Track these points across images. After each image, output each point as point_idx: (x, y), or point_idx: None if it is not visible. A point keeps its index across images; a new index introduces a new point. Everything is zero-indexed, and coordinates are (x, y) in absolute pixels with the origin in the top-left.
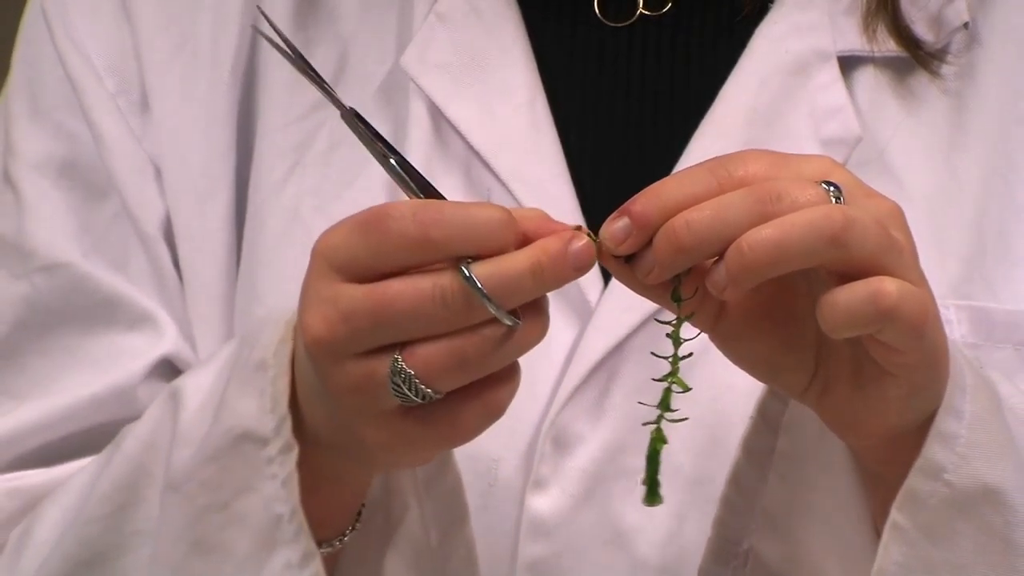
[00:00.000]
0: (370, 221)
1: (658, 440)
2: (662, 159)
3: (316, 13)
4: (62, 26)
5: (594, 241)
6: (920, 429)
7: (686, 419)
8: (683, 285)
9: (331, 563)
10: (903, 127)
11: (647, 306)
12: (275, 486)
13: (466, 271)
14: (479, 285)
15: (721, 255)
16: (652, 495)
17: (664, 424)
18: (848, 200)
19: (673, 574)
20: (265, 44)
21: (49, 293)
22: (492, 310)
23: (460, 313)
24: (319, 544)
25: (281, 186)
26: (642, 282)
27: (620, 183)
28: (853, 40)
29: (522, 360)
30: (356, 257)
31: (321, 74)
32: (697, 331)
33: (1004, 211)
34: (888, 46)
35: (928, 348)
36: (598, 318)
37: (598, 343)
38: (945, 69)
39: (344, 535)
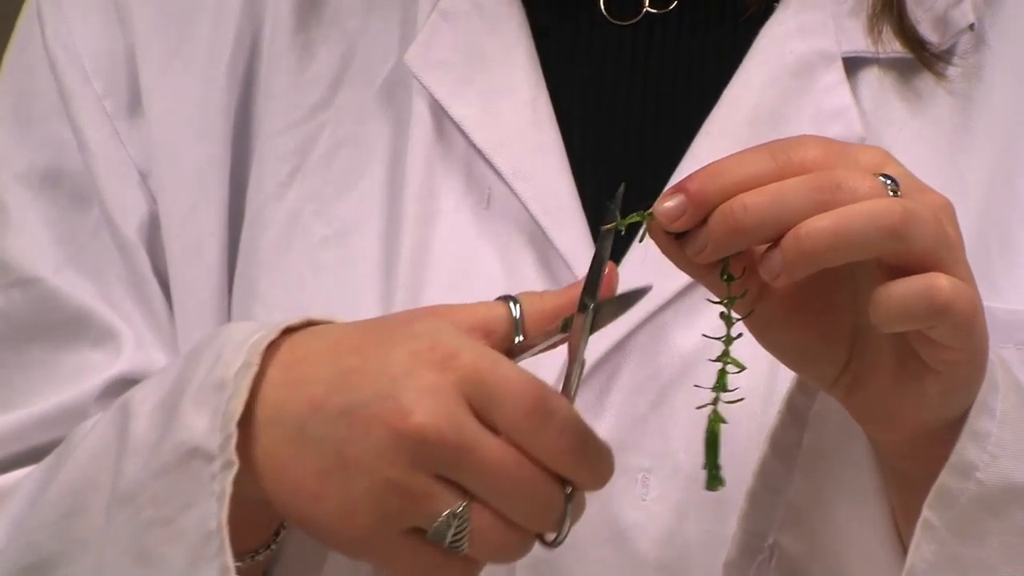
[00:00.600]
0: (540, 406)
1: (716, 421)
2: (665, 158)
3: (319, 13)
4: (53, 26)
5: (646, 217)
6: (947, 426)
7: (742, 399)
8: (731, 265)
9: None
10: (908, 128)
11: (648, 305)
12: (212, 502)
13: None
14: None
15: (775, 241)
16: (714, 479)
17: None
18: (904, 193)
19: (673, 572)
20: (264, 47)
21: (24, 307)
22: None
23: (545, 524)
24: (256, 551)
25: (281, 190)
26: (691, 260)
27: (622, 182)
28: (858, 41)
29: None
30: (499, 415)
31: (325, 73)
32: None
33: (1008, 212)
34: (893, 47)
35: (974, 346)
36: None
37: (599, 342)
38: (951, 70)
39: (277, 536)
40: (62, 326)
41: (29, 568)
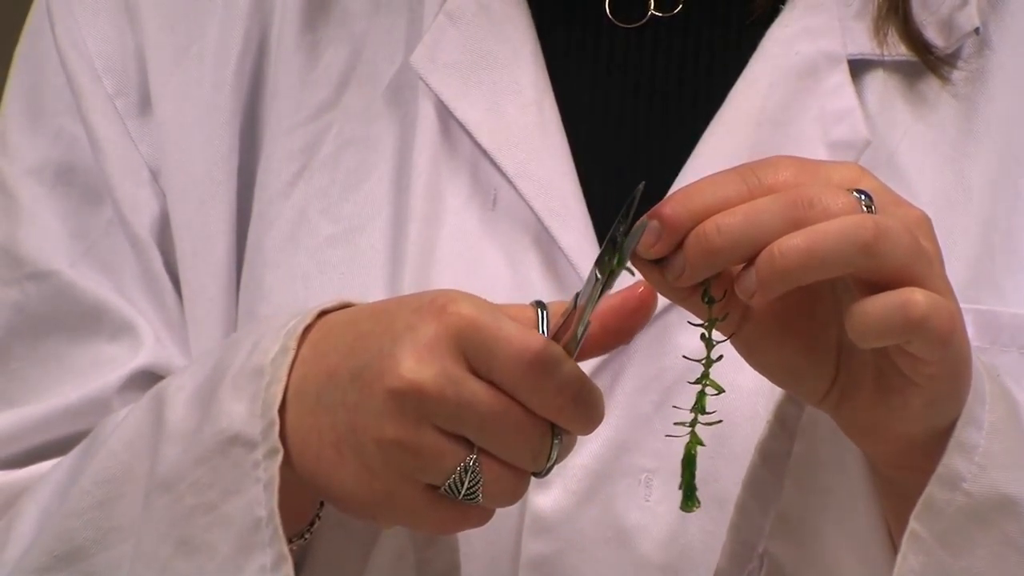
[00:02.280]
0: (541, 359)
1: (694, 443)
2: (670, 160)
3: (327, 14)
4: (64, 25)
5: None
6: (937, 436)
7: (720, 421)
8: (712, 288)
9: (302, 555)
10: (912, 131)
11: None
12: (258, 489)
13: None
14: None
15: (750, 260)
16: (689, 500)
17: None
18: (878, 208)
19: (676, 572)
20: (273, 47)
21: (38, 300)
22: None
23: (539, 465)
24: (291, 540)
25: (288, 189)
26: (671, 285)
27: (628, 183)
28: (863, 44)
29: None
30: (496, 369)
31: (332, 73)
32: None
33: (1013, 215)
34: (898, 50)
35: (953, 358)
36: None
37: None
38: (955, 74)
39: (311, 526)
40: (78, 319)
41: (62, 556)
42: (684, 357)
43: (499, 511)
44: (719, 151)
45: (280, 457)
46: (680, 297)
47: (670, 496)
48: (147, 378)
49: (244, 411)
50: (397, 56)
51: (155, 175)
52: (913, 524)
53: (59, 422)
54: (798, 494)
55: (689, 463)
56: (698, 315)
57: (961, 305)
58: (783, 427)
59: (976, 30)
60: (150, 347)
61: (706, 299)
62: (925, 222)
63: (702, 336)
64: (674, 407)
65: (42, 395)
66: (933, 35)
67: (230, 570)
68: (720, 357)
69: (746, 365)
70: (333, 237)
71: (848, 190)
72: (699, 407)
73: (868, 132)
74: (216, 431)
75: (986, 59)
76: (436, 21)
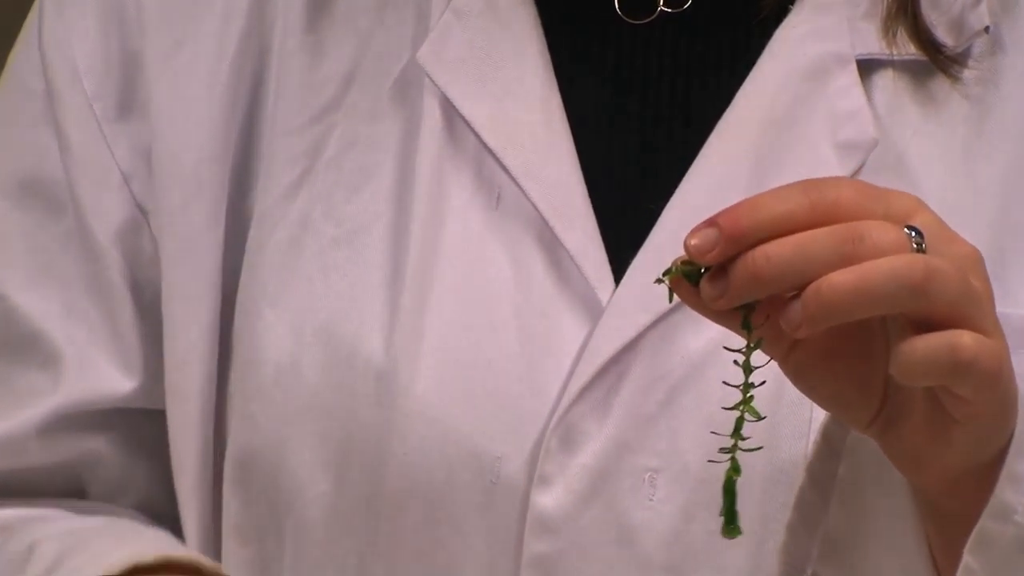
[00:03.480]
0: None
1: (734, 471)
2: (677, 159)
3: (331, 12)
4: (50, 24)
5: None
6: (984, 467)
7: (760, 448)
8: (756, 312)
9: None
10: (922, 131)
11: (658, 306)
12: None
13: None
14: None
15: (798, 292)
16: (731, 528)
17: (737, 453)
18: (930, 245)
19: (680, 572)
20: (275, 48)
21: None
22: None
23: None
24: None
25: (292, 192)
26: (707, 305)
27: (634, 182)
28: (872, 43)
29: (528, 358)
30: None
31: (336, 72)
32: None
33: (1022, 216)
34: (908, 50)
35: (999, 400)
36: (609, 317)
37: (609, 342)
38: (966, 74)
39: None
40: (18, 343)
41: None
42: (724, 383)
43: (500, 510)
44: (727, 150)
45: None
46: (722, 319)
47: (674, 496)
48: (67, 422)
49: None
50: (403, 53)
51: (128, 180)
52: (967, 558)
53: None
54: (845, 516)
55: (728, 491)
56: (742, 337)
57: None
58: (829, 447)
59: (986, 29)
60: (69, 383)
61: (744, 325)
62: (977, 260)
63: (742, 362)
64: (712, 433)
65: None
66: (943, 35)
67: None
68: (763, 382)
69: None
70: (336, 239)
71: (901, 226)
72: (737, 433)
73: (876, 132)
74: None
75: (998, 60)
76: (443, 18)
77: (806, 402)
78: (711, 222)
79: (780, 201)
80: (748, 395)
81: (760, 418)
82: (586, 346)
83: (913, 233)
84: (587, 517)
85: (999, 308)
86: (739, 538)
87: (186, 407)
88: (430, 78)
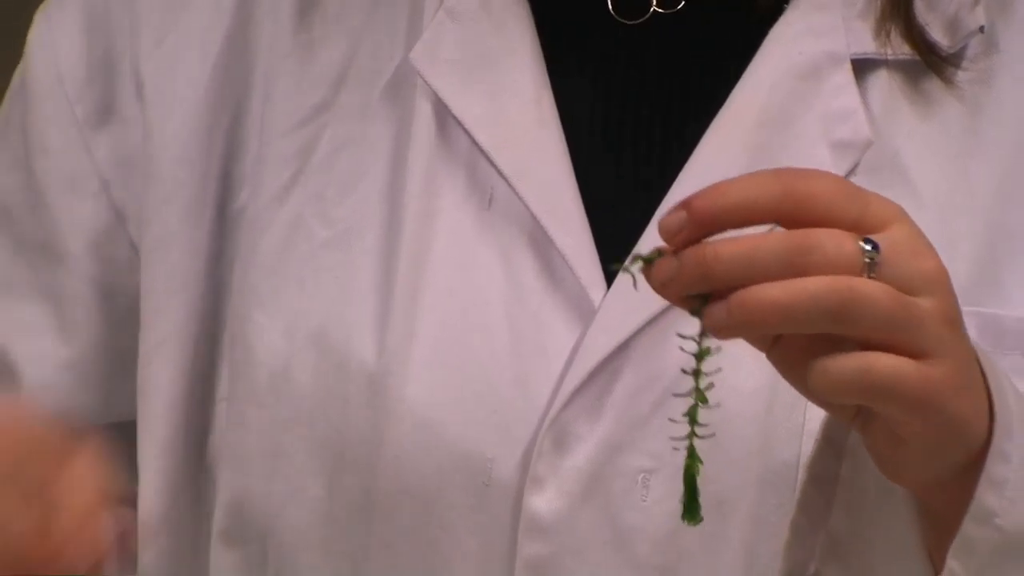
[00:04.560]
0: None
1: (693, 462)
2: (670, 159)
3: (323, 11)
4: (40, 28)
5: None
6: (965, 470)
7: (713, 435)
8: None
9: None
10: (917, 131)
11: (651, 307)
12: None
13: None
14: None
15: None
16: (692, 514)
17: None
18: (888, 261)
19: (674, 574)
20: (263, 48)
21: None
22: None
23: None
24: None
25: (284, 194)
26: (653, 287)
27: (627, 183)
28: (867, 43)
29: (520, 360)
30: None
31: (327, 73)
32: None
33: (1017, 218)
34: (902, 50)
35: (940, 421)
36: (601, 319)
37: (601, 344)
38: (960, 75)
39: None
40: None
41: None
42: (683, 371)
43: (493, 512)
44: (720, 150)
45: None
46: (679, 302)
47: (668, 497)
48: None
49: None
50: (396, 53)
51: (107, 185)
52: (950, 562)
53: None
54: (847, 516)
55: (688, 478)
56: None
57: (963, 308)
58: (831, 446)
59: (981, 28)
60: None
61: (694, 312)
62: (937, 279)
63: (685, 348)
64: (670, 420)
65: None
66: (938, 34)
67: None
68: (718, 370)
69: (744, 366)
70: (328, 241)
71: (858, 238)
72: (692, 419)
73: (871, 132)
74: None
75: (993, 61)
76: (436, 18)
77: (799, 405)
78: (683, 204)
79: (751, 188)
80: (699, 382)
81: (705, 402)
82: (578, 348)
83: (869, 247)
84: (580, 519)
85: (993, 309)
86: (733, 539)
87: (154, 400)
88: (423, 78)
